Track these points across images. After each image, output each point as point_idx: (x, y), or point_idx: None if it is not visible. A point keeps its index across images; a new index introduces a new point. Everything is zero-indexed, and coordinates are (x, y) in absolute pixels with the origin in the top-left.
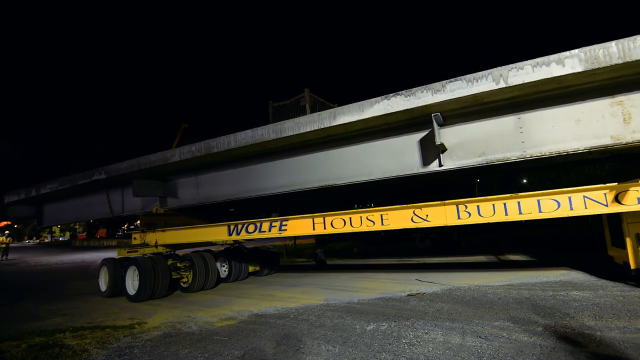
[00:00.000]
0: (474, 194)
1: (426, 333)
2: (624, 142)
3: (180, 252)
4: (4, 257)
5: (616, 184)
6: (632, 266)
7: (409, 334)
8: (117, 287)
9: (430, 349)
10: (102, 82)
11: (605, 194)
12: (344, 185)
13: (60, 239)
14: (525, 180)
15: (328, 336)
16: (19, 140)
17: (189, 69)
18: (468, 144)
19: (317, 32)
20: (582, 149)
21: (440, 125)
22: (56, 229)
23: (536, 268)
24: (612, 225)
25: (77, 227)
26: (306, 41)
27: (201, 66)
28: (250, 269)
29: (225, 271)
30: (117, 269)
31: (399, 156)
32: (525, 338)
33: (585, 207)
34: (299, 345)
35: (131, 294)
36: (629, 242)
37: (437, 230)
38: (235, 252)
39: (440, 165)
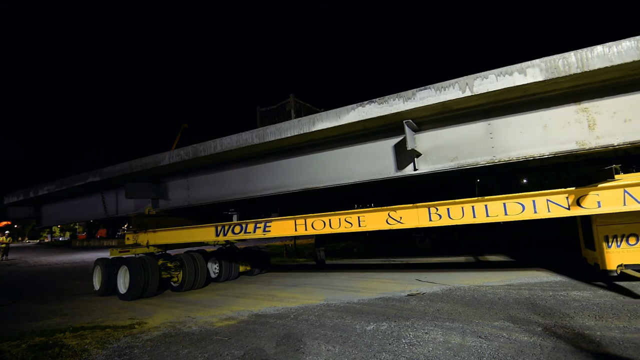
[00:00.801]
0: (474, 194)
1: (426, 333)
2: (588, 148)
3: (174, 253)
4: (4, 257)
5: (574, 188)
6: (601, 267)
7: (409, 334)
8: (109, 286)
9: (430, 349)
10: (102, 83)
11: (567, 197)
12: (325, 188)
13: (60, 239)
14: (525, 180)
15: (328, 336)
16: (19, 140)
17: (189, 70)
18: (442, 149)
19: (316, 34)
20: (548, 154)
21: (415, 130)
22: (56, 229)
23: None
24: (584, 228)
25: (77, 227)
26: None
27: (201, 67)
28: (241, 268)
29: (216, 271)
30: (110, 268)
31: (376, 160)
32: (525, 338)
33: (549, 211)
34: (299, 345)
35: (122, 292)
36: (598, 244)
37: (437, 230)
38: (226, 253)
39: (415, 169)
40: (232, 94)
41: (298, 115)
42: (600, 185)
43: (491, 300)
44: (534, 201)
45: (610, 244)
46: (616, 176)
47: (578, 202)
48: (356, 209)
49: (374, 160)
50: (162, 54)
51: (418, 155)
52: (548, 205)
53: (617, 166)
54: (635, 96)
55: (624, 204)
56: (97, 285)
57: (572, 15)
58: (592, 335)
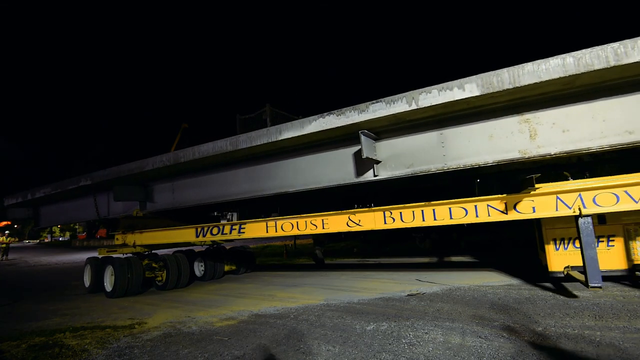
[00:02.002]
0: (474, 194)
1: (426, 333)
2: (529, 156)
3: (164, 252)
4: (4, 257)
5: (506, 195)
6: (549, 268)
7: (409, 334)
8: (98, 284)
9: (430, 349)
10: (102, 83)
11: (505, 203)
12: (296, 192)
13: (60, 239)
14: (535, 177)
15: (328, 336)
16: (19, 140)
17: (189, 70)
18: (399, 157)
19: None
20: (492, 162)
21: (376, 139)
22: (56, 229)
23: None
24: (538, 231)
25: (77, 227)
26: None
27: (201, 67)
28: (227, 268)
29: (201, 270)
30: (98, 267)
31: (341, 167)
32: (526, 338)
33: (489, 215)
34: (299, 345)
35: (108, 290)
36: (546, 247)
37: (436, 230)
38: (213, 253)
39: (375, 176)
40: (233, 93)
41: (274, 123)
42: (533, 192)
43: (491, 300)
44: (475, 206)
45: (557, 247)
46: (537, 185)
47: (515, 207)
48: (355, 208)
49: (339, 167)
50: (162, 54)
51: (378, 162)
52: (488, 209)
53: (536, 175)
54: (572, 108)
55: (556, 210)
56: (87, 282)
57: (572, 15)
58: (592, 335)
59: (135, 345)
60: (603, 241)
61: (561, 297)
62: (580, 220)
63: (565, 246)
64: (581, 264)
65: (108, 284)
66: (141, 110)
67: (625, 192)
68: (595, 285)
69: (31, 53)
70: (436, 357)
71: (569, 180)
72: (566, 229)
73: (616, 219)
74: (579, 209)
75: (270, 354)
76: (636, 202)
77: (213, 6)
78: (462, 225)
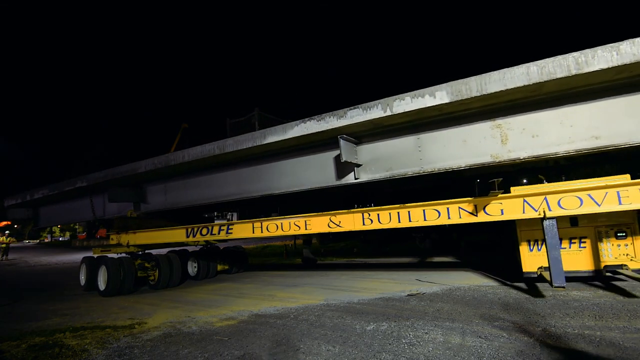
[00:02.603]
0: (474, 194)
1: (426, 333)
2: (500, 160)
3: (158, 252)
4: (4, 257)
5: (472, 198)
6: (524, 269)
7: (409, 334)
8: (92, 283)
9: (430, 349)
10: (102, 83)
11: (475, 205)
12: (282, 194)
13: (60, 239)
14: (525, 181)
15: (328, 336)
16: (19, 140)
17: (189, 70)
18: (379, 160)
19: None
20: (465, 166)
21: (357, 143)
22: (56, 229)
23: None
24: (515, 233)
25: (77, 227)
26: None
27: (201, 67)
28: (219, 267)
29: (195, 270)
30: (93, 266)
31: (323, 170)
32: (526, 338)
33: (460, 217)
34: (299, 345)
35: (101, 289)
36: (520, 248)
37: (436, 230)
38: (206, 253)
39: (356, 178)
40: (233, 93)
41: (262, 127)
42: (501, 195)
43: (491, 300)
44: (448, 208)
45: (531, 248)
46: (512, 188)
47: (484, 209)
48: (356, 208)
49: (321, 170)
50: (162, 54)
51: (359, 165)
52: (459, 212)
53: (499, 180)
54: (542, 114)
55: (523, 212)
56: (82, 281)
57: (572, 15)
58: (592, 335)
59: (135, 345)
60: (575, 243)
61: (561, 297)
62: (545, 222)
63: (539, 247)
64: None
65: (102, 282)
66: (141, 110)
67: (589, 195)
68: (559, 285)
69: (31, 53)
70: (436, 357)
71: (543, 183)
72: (539, 230)
73: (588, 221)
74: (544, 212)
75: (270, 354)
76: (599, 205)
77: (214, 5)
78: (462, 225)
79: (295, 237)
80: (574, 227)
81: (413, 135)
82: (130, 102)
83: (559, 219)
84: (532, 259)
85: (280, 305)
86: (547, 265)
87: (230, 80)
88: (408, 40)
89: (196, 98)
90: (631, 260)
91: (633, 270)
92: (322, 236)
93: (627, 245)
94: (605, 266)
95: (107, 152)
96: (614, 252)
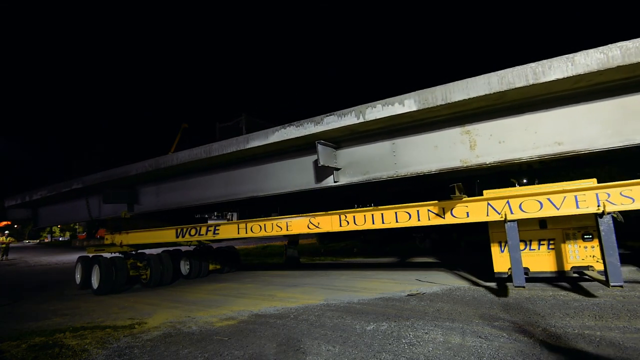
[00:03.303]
0: (474, 194)
1: (426, 333)
2: (469, 165)
3: (153, 252)
4: (4, 257)
5: (437, 201)
6: (495, 269)
7: (409, 334)
8: (87, 281)
9: (430, 349)
10: (102, 83)
11: (443, 208)
12: (266, 196)
13: (60, 239)
14: (525, 180)
15: (328, 336)
16: (19, 140)
17: (189, 70)
18: (356, 164)
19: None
20: (435, 170)
21: (336, 148)
22: (56, 229)
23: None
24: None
25: (77, 227)
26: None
27: (202, 67)
28: (211, 267)
29: (187, 269)
30: (87, 265)
31: (305, 173)
32: (526, 338)
33: (429, 219)
34: (299, 345)
35: (95, 287)
36: (492, 248)
37: (436, 230)
38: (199, 252)
39: (335, 182)
40: (233, 93)
41: (249, 131)
42: (466, 199)
43: (491, 300)
44: (418, 211)
45: (502, 249)
46: (485, 191)
47: (451, 212)
48: (355, 208)
49: (303, 173)
50: (162, 54)
51: (338, 169)
52: (429, 214)
53: (459, 184)
54: (508, 120)
55: (487, 215)
56: (78, 279)
57: (572, 15)
58: (592, 335)
59: (135, 345)
60: (544, 244)
61: (561, 297)
62: (507, 224)
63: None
64: (524, 266)
65: (95, 281)
66: (141, 110)
67: (548, 199)
68: (518, 285)
69: (31, 53)
70: (436, 357)
71: (515, 186)
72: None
73: (556, 223)
74: (505, 215)
75: (270, 353)
76: (557, 209)
77: (215, 6)
78: (463, 225)
79: (298, 238)
80: (543, 229)
81: (388, 140)
82: (130, 102)
83: (529, 221)
84: (503, 259)
85: (280, 305)
86: None
87: (230, 80)
88: (409, 40)
89: (197, 98)
90: (597, 261)
91: (598, 272)
92: (322, 236)
93: (593, 247)
94: (573, 267)
95: (107, 152)
96: (581, 253)
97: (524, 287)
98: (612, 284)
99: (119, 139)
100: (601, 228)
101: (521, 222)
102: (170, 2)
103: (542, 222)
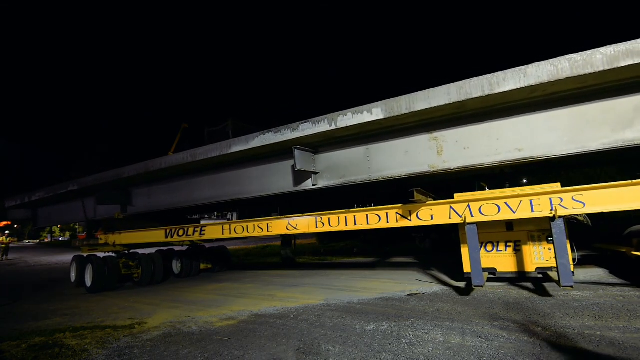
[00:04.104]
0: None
1: (426, 333)
2: (436, 170)
3: (147, 251)
4: (4, 257)
5: (403, 204)
6: (464, 270)
7: (409, 334)
8: (81, 280)
9: (430, 349)
10: (102, 83)
11: (410, 211)
12: (250, 198)
13: (60, 239)
14: (525, 180)
15: (328, 336)
16: (19, 140)
17: (190, 70)
18: (334, 168)
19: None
20: (405, 174)
21: (314, 153)
22: (56, 229)
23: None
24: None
25: (77, 227)
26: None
27: (202, 67)
28: (202, 266)
29: (178, 268)
30: (81, 264)
31: (286, 176)
32: (526, 338)
33: (397, 221)
34: (299, 345)
35: (88, 285)
36: (462, 249)
37: (437, 230)
38: (191, 252)
39: (314, 185)
40: (233, 93)
41: (236, 135)
42: (430, 202)
43: (491, 300)
44: (387, 213)
45: None
46: (455, 194)
47: (417, 215)
48: (356, 208)
49: (284, 177)
50: (162, 54)
51: (316, 173)
52: (396, 216)
53: (415, 189)
54: (472, 127)
55: (449, 217)
56: (73, 277)
57: (572, 15)
58: (592, 335)
59: (135, 345)
60: (510, 246)
61: (561, 297)
62: (466, 227)
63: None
64: (490, 266)
65: (89, 279)
66: (141, 110)
67: (506, 203)
68: (477, 284)
69: (31, 54)
70: (436, 357)
71: (485, 190)
72: (481, 233)
73: (522, 226)
74: (465, 218)
75: (270, 354)
76: (514, 212)
77: (215, 5)
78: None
79: (295, 237)
80: (510, 231)
81: (363, 146)
82: (130, 102)
83: (497, 223)
84: None
85: (280, 305)
86: (485, 266)
87: (230, 80)
88: (409, 39)
89: (197, 98)
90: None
91: None
92: (322, 236)
93: None
94: (537, 268)
95: (108, 152)
96: (545, 255)
97: (482, 286)
98: (563, 284)
99: (119, 139)
100: (554, 231)
101: (489, 225)
102: (170, 1)
103: (509, 225)
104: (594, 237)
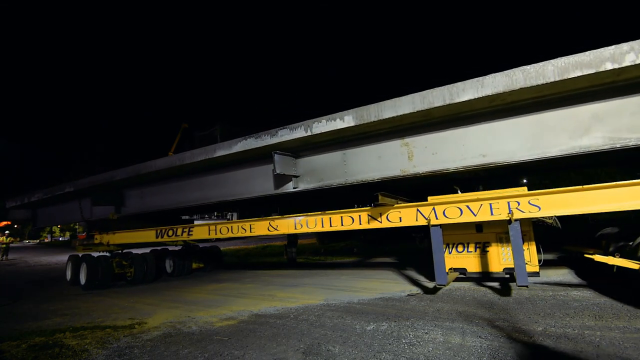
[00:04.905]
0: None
1: (426, 333)
2: (407, 174)
3: (141, 251)
4: (4, 257)
5: (372, 207)
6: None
7: (409, 334)
8: (76, 278)
9: (430, 349)
10: (102, 83)
11: (380, 213)
12: (236, 200)
13: (60, 239)
14: (525, 180)
15: (328, 336)
16: (19, 141)
17: (190, 70)
18: (313, 172)
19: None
20: (378, 178)
21: (295, 157)
22: (56, 229)
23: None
24: None
25: (77, 227)
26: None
27: (202, 66)
28: (194, 266)
29: (171, 267)
30: (76, 263)
31: (269, 179)
32: (526, 338)
33: (368, 222)
34: (299, 345)
35: (82, 283)
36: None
37: None
38: (184, 252)
39: (294, 188)
40: (234, 93)
41: (223, 139)
42: (397, 205)
43: (491, 300)
44: (360, 215)
45: (445, 250)
46: (382, 199)
47: (387, 217)
48: (356, 208)
49: (267, 180)
50: (162, 53)
51: (297, 176)
52: (368, 218)
53: (380, 193)
54: (439, 134)
55: (416, 220)
56: (68, 276)
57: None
58: (592, 335)
59: (135, 345)
60: (480, 247)
61: (561, 297)
62: (431, 229)
63: (450, 251)
64: (461, 267)
65: (83, 278)
66: (141, 110)
67: (467, 206)
68: (440, 284)
69: (31, 54)
70: (436, 357)
71: (457, 193)
72: (449, 235)
73: (491, 228)
74: (430, 220)
75: (270, 354)
76: (475, 215)
77: (217, 4)
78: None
79: (295, 237)
80: (479, 233)
81: (340, 151)
82: (130, 102)
83: (467, 225)
84: (446, 260)
85: (280, 305)
86: (456, 267)
87: (230, 80)
88: (410, 38)
89: (197, 98)
90: (527, 264)
91: (528, 273)
92: (322, 236)
93: (524, 250)
94: (505, 268)
95: (108, 152)
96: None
97: (444, 285)
98: (518, 284)
99: (119, 139)
100: (511, 233)
101: (460, 226)
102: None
103: (479, 227)
104: (567, 239)
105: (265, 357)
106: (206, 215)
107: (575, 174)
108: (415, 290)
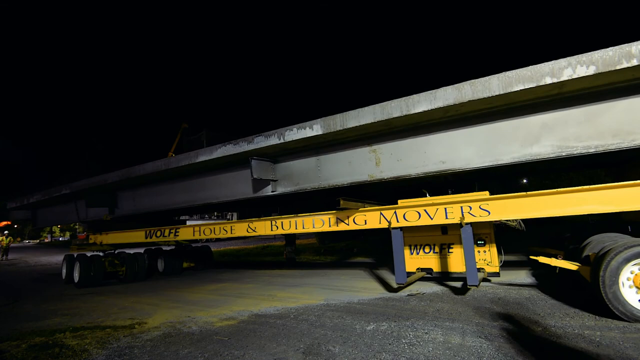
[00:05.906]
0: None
1: (426, 333)
2: (374, 179)
3: (137, 250)
4: (4, 257)
5: (338, 211)
6: (406, 269)
7: (409, 334)
8: (70, 276)
9: (430, 349)
10: (102, 83)
11: (348, 216)
12: (219, 203)
13: (60, 239)
14: (525, 180)
15: (328, 336)
16: (20, 141)
17: (190, 70)
18: (290, 176)
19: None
20: (348, 183)
21: (274, 162)
22: (56, 229)
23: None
24: None
25: (77, 227)
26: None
27: (202, 66)
28: (185, 265)
29: (162, 266)
30: (70, 262)
31: (249, 183)
32: (526, 338)
33: (337, 225)
34: (299, 345)
35: (76, 281)
36: (405, 251)
37: None
38: (175, 251)
39: (273, 191)
40: (234, 93)
41: (209, 144)
42: (363, 209)
43: (491, 300)
44: (329, 218)
45: (412, 252)
46: (400, 201)
47: (354, 220)
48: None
49: (247, 183)
50: (162, 53)
51: (275, 180)
52: (337, 221)
53: (341, 198)
54: (403, 142)
55: (380, 222)
56: (64, 274)
57: (572, 16)
58: (592, 335)
59: (135, 345)
60: (445, 248)
61: (561, 297)
62: (392, 231)
63: (417, 252)
64: (427, 267)
65: (76, 276)
66: (141, 110)
67: (425, 210)
68: (400, 283)
69: (31, 54)
70: (436, 357)
71: (426, 196)
72: (417, 237)
73: (455, 230)
74: (390, 223)
75: (270, 354)
76: (431, 219)
77: (218, 4)
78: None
79: (294, 237)
80: (445, 235)
81: (314, 156)
82: (130, 102)
83: (433, 227)
84: (412, 261)
85: (280, 305)
86: (423, 267)
87: (230, 80)
88: (411, 38)
89: (198, 98)
90: (487, 264)
91: (488, 273)
92: (322, 236)
93: (485, 251)
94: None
95: (108, 152)
96: (475, 257)
97: (403, 284)
98: (469, 284)
99: (119, 139)
100: (463, 236)
101: (427, 228)
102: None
103: (444, 229)
104: (534, 241)
105: (265, 357)
106: (206, 216)
107: (576, 174)
108: (415, 290)
